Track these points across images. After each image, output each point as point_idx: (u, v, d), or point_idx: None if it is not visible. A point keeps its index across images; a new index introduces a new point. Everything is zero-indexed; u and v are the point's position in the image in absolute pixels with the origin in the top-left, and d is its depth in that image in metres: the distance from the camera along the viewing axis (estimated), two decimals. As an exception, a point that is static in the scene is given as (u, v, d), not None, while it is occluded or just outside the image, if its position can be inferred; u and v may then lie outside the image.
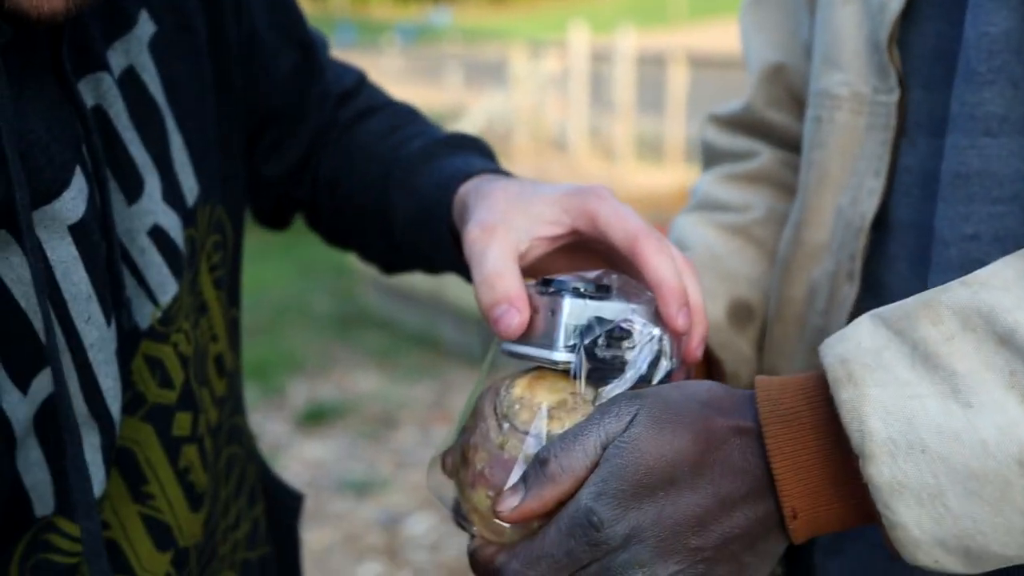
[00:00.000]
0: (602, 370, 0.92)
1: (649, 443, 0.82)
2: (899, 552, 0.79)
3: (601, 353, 0.92)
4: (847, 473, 0.79)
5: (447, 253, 1.11)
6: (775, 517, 0.83)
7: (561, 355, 0.91)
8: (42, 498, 0.95)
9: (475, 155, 1.19)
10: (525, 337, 0.95)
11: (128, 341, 1.01)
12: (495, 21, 58.41)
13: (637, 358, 0.93)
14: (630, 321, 0.93)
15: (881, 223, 1.08)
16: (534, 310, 0.95)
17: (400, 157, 1.23)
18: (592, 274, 1.00)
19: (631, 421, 0.84)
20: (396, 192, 1.20)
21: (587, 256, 1.07)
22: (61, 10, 0.87)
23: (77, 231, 0.93)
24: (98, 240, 0.96)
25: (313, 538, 4.20)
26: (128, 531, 1.04)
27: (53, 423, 0.94)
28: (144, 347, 1.03)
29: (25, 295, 0.91)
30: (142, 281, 1.04)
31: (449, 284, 6.56)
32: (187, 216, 1.09)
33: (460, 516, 0.96)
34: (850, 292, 1.09)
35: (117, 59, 1.05)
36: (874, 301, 1.01)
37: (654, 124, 14.29)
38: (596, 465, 0.84)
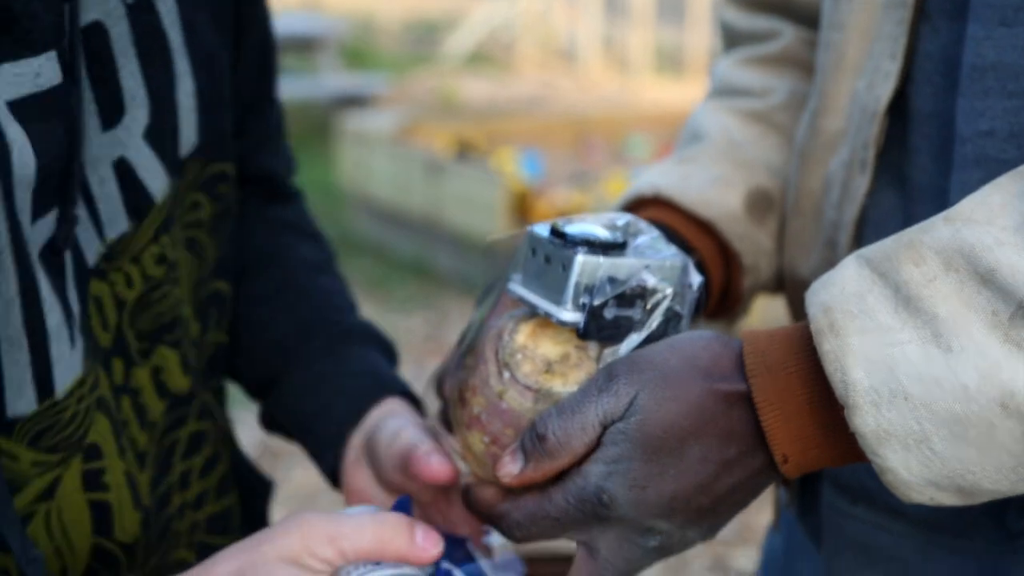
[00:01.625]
0: (610, 331, 0.96)
1: (654, 426, 0.89)
2: (894, 492, 0.85)
3: (610, 315, 0.96)
4: (835, 419, 0.85)
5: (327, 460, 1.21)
6: (769, 464, 0.90)
7: (569, 314, 0.95)
8: None
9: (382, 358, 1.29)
10: (534, 283, 0.99)
11: (80, 274, 1.03)
12: None
13: (646, 319, 0.98)
14: (643, 281, 0.97)
15: (902, 112, 1.11)
16: (546, 258, 0.99)
17: (340, 325, 1.32)
18: (613, 218, 1.04)
19: (631, 403, 0.90)
20: (310, 360, 1.27)
21: None
22: None
23: (31, 109, 0.94)
24: (58, 135, 0.97)
25: (300, 477, 4.26)
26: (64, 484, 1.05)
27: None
28: (92, 284, 1.05)
29: None
30: (93, 211, 1.05)
31: (446, 208, 6.67)
32: (173, 164, 1.11)
33: (445, 423, 1.07)
34: (862, 183, 1.12)
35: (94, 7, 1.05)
36: (896, 196, 1.11)
37: (674, 34, 14.32)
38: (594, 442, 0.91)
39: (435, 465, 1.07)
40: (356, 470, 1.16)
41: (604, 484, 0.90)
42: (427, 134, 8.11)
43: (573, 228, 0.98)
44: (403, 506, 1.01)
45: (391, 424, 1.12)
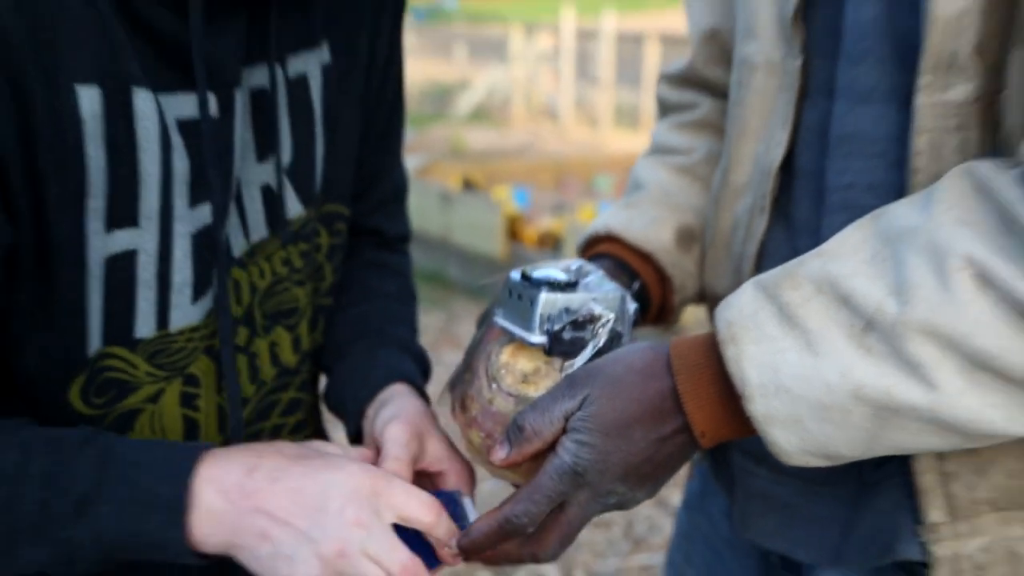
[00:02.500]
0: (568, 349, 1.01)
1: (606, 415, 0.93)
2: (779, 458, 0.89)
3: (567, 336, 1.00)
4: (736, 406, 0.89)
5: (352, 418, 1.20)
6: (692, 439, 0.94)
7: (536, 337, 0.99)
8: (95, 335, 0.98)
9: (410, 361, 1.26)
10: (511, 315, 1.03)
11: (225, 263, 1.05)
12: (496, 5, 57.83)
13: (595, 338, 1.02)
14: (591, 310, 1.01)
15: (790, 169, 1.10)
16: (519, 296, 1.03)
17: (385, 333, 1.29)
18: (571, 264, 1.09)
19: (584, 400, 0.93)
20: (369, 349, 1.26)
21: None
22: None
23: (191, 128, 0.99)
24: (208, 149, 1.01)
25: (340, 439, 4.30)
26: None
27: (117, 273, 0.97)
28: (233, 272, 1.08)
29: (149, 149, 0.96)
30: (243, 219, 1.09)
31: (455, 230, 6.63)
32: (304, 196, 1.14)
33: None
34: (761, 223, 1.11)
35: (295, 64, 1.12)
36: (784, 233, 1.10)
37: (631, 95, 14.12)
38: (559, 431, 0.94)
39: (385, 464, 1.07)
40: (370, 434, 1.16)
41: (577, 459, 0.92)
42: (441, 173, 8.10)
43: (538, 273, 1.03)
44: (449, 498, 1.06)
45: (389, 410, 1.12)
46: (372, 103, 1.26)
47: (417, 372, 1.21)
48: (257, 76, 1.08)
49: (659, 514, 3.63)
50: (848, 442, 0.87)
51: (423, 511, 0.95)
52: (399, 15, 1.25)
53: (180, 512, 0.89)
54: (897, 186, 0.97)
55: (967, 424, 0.81)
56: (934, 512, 0.96)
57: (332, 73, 1.17)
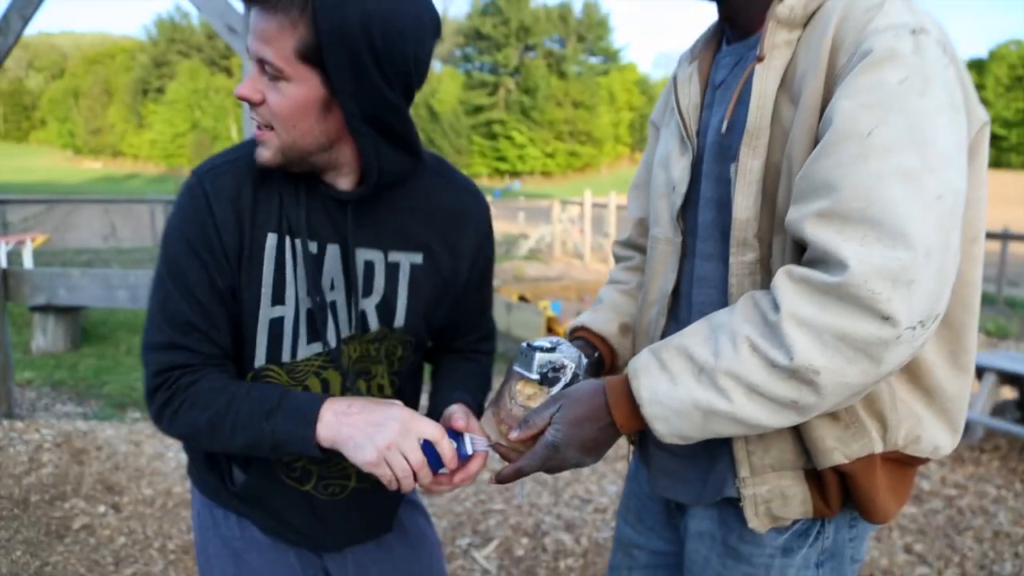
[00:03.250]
0: (551, 382, 1.03)
1: (569, 417, 0.95)
2: (660, 439, 0.90)
3: (550, 376, 1.03)
4: (637, 411, 0.91)
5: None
6: (615, 428, 0.94)
7: (534, 376, 1.03)
8: (261, 357, 1.04)
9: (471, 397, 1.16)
10: (522, 365, 1.04)
11: (339, 334, 1.07)
12: (544, 188, 57.70)
13: (565, 377, 1.03)
14: (564, 362, 1.04)
15: (676, 294, 1.09)
16: (526, 355, 1.04)
17: (465, 385, 1.20)
18: (553, 339, 1.09)
19: (559, 408, 0.96)
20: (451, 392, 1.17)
21: None
22: (353, 192, 1.01)
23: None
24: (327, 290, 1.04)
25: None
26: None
27: (273, 327, 1.02)
28: (344, 342, 1.08)
29: (293, 267, 1.01)
30: (350, 319, 1.08)
31: (514, 327, 6.35)
32: (386, 323, 1.11)
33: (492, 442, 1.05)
34: (662, 322, 1.09)
35: (393, 256, 1.08)
36: (674, 326, 1.08)
37: None
38: (547, 423, 0.96)
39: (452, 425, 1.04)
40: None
41: (555, 438, 0.95)
42: (506, 291, 7.83)
43: (536, 343, 1.06)
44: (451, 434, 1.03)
45: (447, 412, 1.07)
46: (463, 288, 1.17)
47: (472, 401, 1.15)
48: (371, 254, 1.07)
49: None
50: (691, 430, 0.88)
51: (434, 433, 0.97)
52: (487, 240, 1.19)
53: (312, 422, 0.95)
54: (722, 303, 0.97)
55: (749, 421, 0.84)
56: (742, 470, 0.97)
57: (418, 269, 1.10)
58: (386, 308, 1.10)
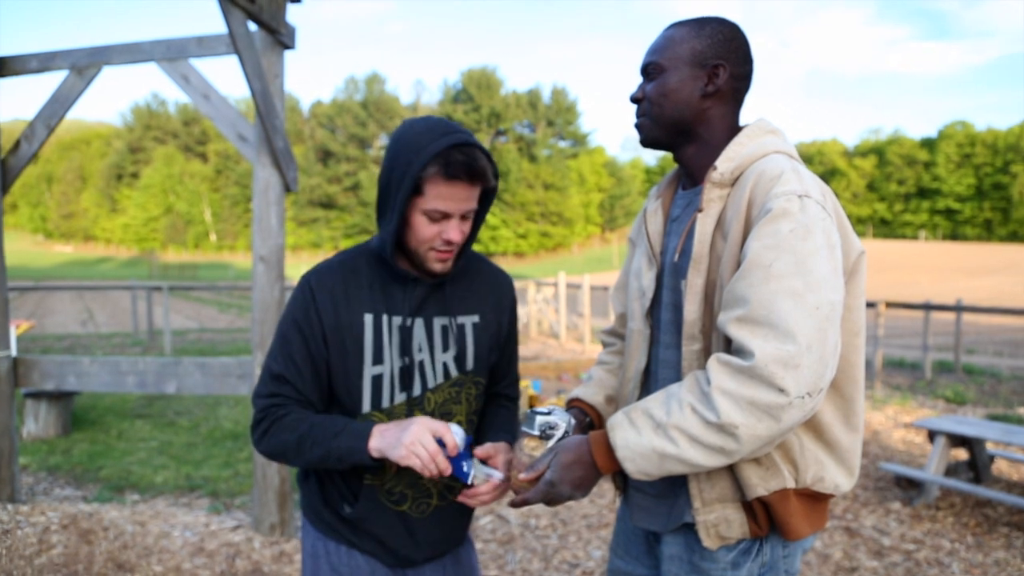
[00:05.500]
0: (548, 437, 1.21)
1: (563, 462, 1.12)
2: (629, 475, 1.07)
3: (548, 434, 1.21)
4: (613, 456, 1.08)
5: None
6: (597, 470, 1.11)
7: (536, 432, 1.21)
8: (366, 405, 1.28)
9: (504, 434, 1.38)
10: (527, 426, 1.23)
11: (424, 387, 1.30)
12: (517, 268, 57.75)
13: (559, 434, 1.21)
14: (557, 423, 1.22)
15: (647, 372, 1.27)
16: (529, 419, 1.23)
17: (505, 428, 1.42)
18: (549, 407, 1.26)
19: (554, 456, 1.13)
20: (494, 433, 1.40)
21: None
22: (444, 271, 1.28)
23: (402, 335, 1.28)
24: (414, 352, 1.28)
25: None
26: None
27: (375, 381, 1.27)
28: (426, 393, 1.31)
29: (387, 337, 1.28)
30: (435, 372, 1.32)
31: None
32: (460, 370, 1.36)
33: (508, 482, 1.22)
34: (636, 393, 1.27)
35: (460, 319, 1.36)
36: (646, 395, 1.24)
37: (603, 323, 13.92)
38: (547, 467, 1.13)
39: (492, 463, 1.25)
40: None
41: (552, 477, 1.12)
42: None
43: (537, 409, 1.23)
44: (467, 441, 1.25)
45: (487, 446, 1.27)
46: (504, 338, 1.44)
47: (511, 441, 1.34)
48: (444, 320, 1.32)
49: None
50: (651, 468, 1.05)
51: (439, 428, 1.19)
52: (514, 303, 1.47)
53: (366, 438, 1.21)
54: (678, 379, 1.17)
55: (691, 461, 1.02)
56: (696, 502, 1.15)
57: (477, 326, 1.36)
58: (461, 358, 1.35)
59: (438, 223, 1.23)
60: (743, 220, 1.09)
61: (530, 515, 4.00)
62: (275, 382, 1.27)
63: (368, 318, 1.28)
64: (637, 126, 1.27)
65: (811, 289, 1.00)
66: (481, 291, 1.39)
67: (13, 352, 3.94)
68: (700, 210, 1.16)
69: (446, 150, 1.18)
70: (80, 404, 7.15)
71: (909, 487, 4.41)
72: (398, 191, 1.20)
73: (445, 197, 1.20)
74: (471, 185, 1.22)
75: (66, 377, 3.97)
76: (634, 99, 1.27)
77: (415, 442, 1.17)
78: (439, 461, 1.19)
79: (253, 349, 3.59)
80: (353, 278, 1.29)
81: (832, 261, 1.04)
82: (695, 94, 1.20)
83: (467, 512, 1.45)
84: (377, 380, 1.28)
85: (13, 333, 4.44)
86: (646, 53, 1.25)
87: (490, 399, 1.51)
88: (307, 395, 1.29)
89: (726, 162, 1.15)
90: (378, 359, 1.28)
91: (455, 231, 1.24)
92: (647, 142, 1.26)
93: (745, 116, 1.27)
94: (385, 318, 1.28)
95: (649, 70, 1.24)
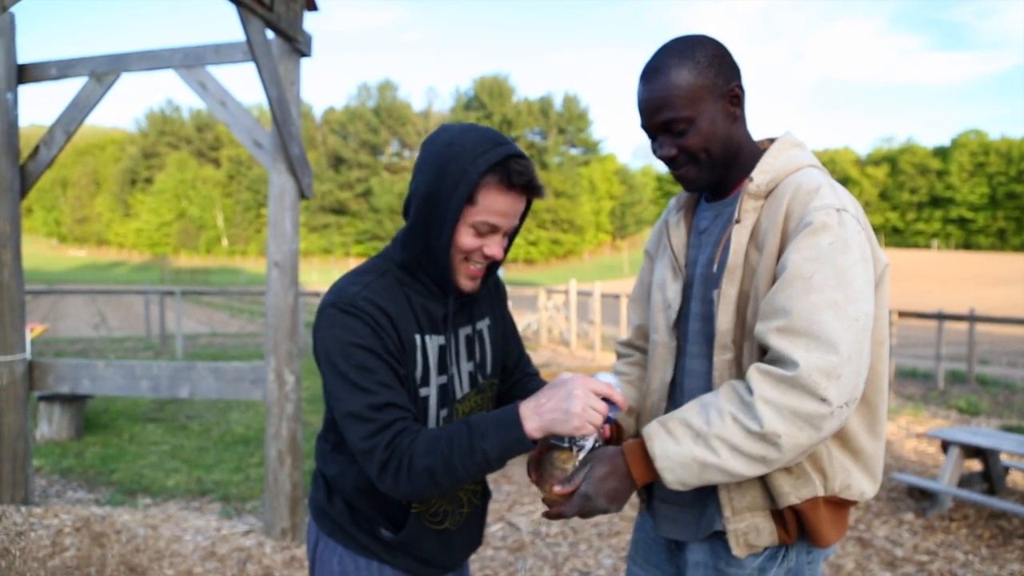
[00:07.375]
0: (580, 449, 1.17)
1: (597, 474, 1.13)
2: (667, 486, 1.09)
3: (579, 445, 1.17)
4: (651, 466, 1.10)
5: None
6: (632, 482, 1.12)
7: (565, 444, 1.17)
8: (431, 417, 1.24)
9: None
10: (556, 439, 1.18)
11: (455, 395, 1.29)
12: (527, 275, 57.86)
13: (588, 446, 1.17)
14: (585, 440, 1.17)
15: (673, 383, 1.28)
16: (561, 438, 1.16)
17: (531, 389, 1.43)
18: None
19: (589, 468, 1.13)
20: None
21: None
22: (472, 290, 1.25)
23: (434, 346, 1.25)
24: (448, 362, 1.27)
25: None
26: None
27: (425, 404, 1.24)
28: (456, 404, 1.29)
29: (431, 359, 1.24)
30: (461, 383, 1.31)
31: None
32: (482, 375, 1.36)
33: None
34: (663, 405, 1.28)
35: (478, 324, 1.37)
36: (672, 407, 1.27)
37: (613, 330, 14.05)
38: (581, 481, 1.13)
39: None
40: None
41: (587, 490, 1.12)
42: None
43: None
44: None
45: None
46: (508, 333, 1.46)
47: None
48: (467, 329, 1.32)
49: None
50: (691, 478, 1.07)
51: (602, 388, 1.12)
52: (504, 291, 1.46)
53: (518, 425, 1.09)
54: (707, 389, 1.19)
55: (732, 471, 1.04)
56: (726, 511, 1.17)
57: (490, 329, 1.37)
58: (482, 364, 1.36)
59: (482, 237, 1.19)
60: (779, 232, 1.12)
61: (541, 522, 4.02)
62: (382, 413, 1.13)
63: (417, 339, 1.22)
64: (681, 177, 1.24)
65: (850, 301, 1.04)
66: (487, 295, 1.40)
67: (28, 355, 3.98)
68: (738, 221, 1.18)
69: (504, 160, 1.14)
70: (93, 407, 7.21)
71: (922, 498, 4.38)
72: (449, 199, 1.14)
73: (498, 209, 1.16)
74: (522, 198, 1.19)
75: (81, 380, 4.00)
76: (668, 158, 1.23)
77: (586, 409, 1.08)
78: (603, 416, 1.13)
79: (266, 354, 3.61)
80: (397, 298, 1.21)
81: (867, 274, 1.08)
82: (728, 124, 1.21)
83: (486, 510, 1.47)
84: (424, 402, 1.24)
85: (28, 336, 4.48)
86: (654, 107, 1.19)
87: (515, 383, 1.47)
88: (411, 412, 1.18)
89: (762, 174, 1.18)
90: (425, 381, 1.24)
91: (497, 247, 1.20)
92: (699, 187, 1.26)
93: (755, 127, 1.29)
94: (429, 339, 1.24)
95: (671, 127, 1.20)
